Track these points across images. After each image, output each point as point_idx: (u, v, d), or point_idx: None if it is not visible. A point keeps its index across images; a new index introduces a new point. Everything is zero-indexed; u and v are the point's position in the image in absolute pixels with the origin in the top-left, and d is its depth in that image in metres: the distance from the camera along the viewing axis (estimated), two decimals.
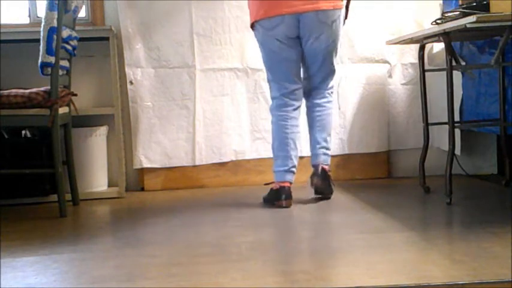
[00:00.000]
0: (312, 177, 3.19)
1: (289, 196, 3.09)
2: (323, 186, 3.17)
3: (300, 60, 3.17)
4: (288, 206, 3.07)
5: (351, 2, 3.23)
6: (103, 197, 3.57)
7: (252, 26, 3.16)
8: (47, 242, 2.54)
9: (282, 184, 3.11)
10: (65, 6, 3.02)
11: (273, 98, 3.24)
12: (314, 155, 3.22)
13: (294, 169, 3.15)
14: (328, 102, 3.25)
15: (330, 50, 3.13)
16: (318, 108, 3.23)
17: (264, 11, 3.04)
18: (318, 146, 3.20)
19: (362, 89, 3.87)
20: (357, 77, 3.86)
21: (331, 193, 3.22)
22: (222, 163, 3.82)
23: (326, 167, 3.20)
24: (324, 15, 3.03)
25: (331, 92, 3.29)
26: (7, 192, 3.40)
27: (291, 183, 3.13)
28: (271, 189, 3.17)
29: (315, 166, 3.19)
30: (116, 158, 3.65)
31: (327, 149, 3.23)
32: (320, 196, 3.21)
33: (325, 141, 3.22)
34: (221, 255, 2.24)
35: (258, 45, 3.19)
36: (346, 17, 3.19)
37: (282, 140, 3.15)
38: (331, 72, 3.23)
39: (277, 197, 3.09)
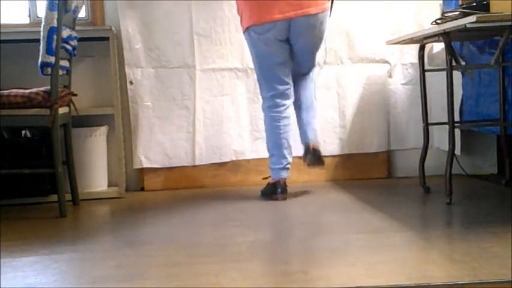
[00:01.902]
0: (305, 155, 3.34)
1: (284, 191, 3.26)
2: (316, 164, 3.32)
3: (289, 61, 3.29)
4: (282, 199, 3.23)
5: (335, 3, 3.29)
6: (103, 197, 3.57)
7: (244, 30, 3.28)
8: (47, 242, 2.54)
9: (278, 179, 3.28)
10: (65, 6, 3.02)
11: (263, 98, 3.37)
12: (303, 133, 3.36)
13: (288, 165, 3.32)
14: (311, 80, 3.41)
15: (317, 48, 3.31)
16: (307, 84, 3.39)
17: (256, 17, 3.15)
18: (306, 124, 3.35)
19: (362, 89, 3.87)
20: (357, 77, 3.85)
21: (323, 164, 3.37)
22: (222, 163, 3.82)
23: (316, 145, 3.35)
24: (313, 19, 3.15)
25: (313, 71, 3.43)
26: (7, 192, 3.40)
27: (286, 178, 3.29)
28: (268, 183, 3.34)
29: (306, 145, 3.34)
30: (116, 158, 3.65)
31: (314, 127, 3.39)
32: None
33: (313, 118, 3.39)
34: (221, 255, 2.24)
35: (249, 48, 3.32)
36: (330, 15, 3.27)
37: (276, 140, 3.30)
38: (315, 59, 3.39)
39: (274, 191, 3.27)
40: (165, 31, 3.71)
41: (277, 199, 3.23)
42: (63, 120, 3.22)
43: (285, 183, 3.28)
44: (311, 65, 3.38)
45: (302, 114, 3.37)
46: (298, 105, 3.38)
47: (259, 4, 3.12)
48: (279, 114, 3.29)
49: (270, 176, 3.34)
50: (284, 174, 3.29)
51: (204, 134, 3.78)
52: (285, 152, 3.29)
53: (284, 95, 3.29)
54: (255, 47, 3.25)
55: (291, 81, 3.31)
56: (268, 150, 3.34)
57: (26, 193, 3.43)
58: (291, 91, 3.32)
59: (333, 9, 3.26)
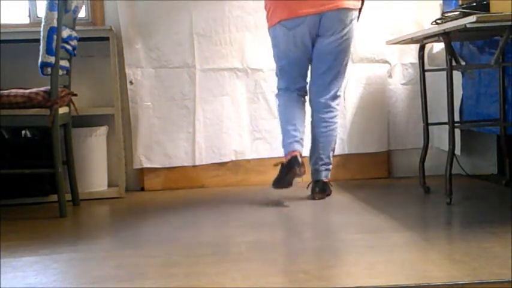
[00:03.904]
0: (313, 190, 3.23)
1: (301, 164, 3.05)
2: (323, 197, 3.23)
3: (309, 60, 3.21)
4: (301, 174, 3.05)
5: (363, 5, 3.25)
6: (103, 197, 3.57)
7: (271, 25, 3.19)
8: (47, 242, 2.54)
9: (293, 153, 3.08)
10: (65, 6, 3.02)
11: (279, 88, 3.30)
12: (316, 170, 3.25)
13: (302, 141, 3.15)
14: (334, 117, 3.26)
15: (342, 48, 3.17)
16: (323, 124, 3.23)
17: (288, 11, 3.08)
18: (320, 162, 3.23)
19: (362, 89, 3.87)
20: (357, 77, 3.85)
21: (329, 195, 3.28)
22: (222, 163, 3.82)
23: (326, 180, 3.26)
24: (344, 14, 3.08)
25: (338, 104, 3.29)
26: (7, 192, 3.40)
27: (301, 153, 3.11)
28: (281, 164, 3.11)
29: (317, 182, 3.24)
30: (116, 158, 3.65)
31: (329, 164, 3.26)
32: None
33: (328, 157, 3.25)
34: (221, 255, 2.24)
35: (272, 44, 3.24)
36: (357, 19, 3.23)
37: (289, 116, 3.19)
38: (341, 74, 3.25)
39: (290, 167, 3.04)
40: (165, 31, 3.71)
41: (295, 173, 3.02)
42: (63, 120, 3.22)
43: (300, 156, 3.07)
44: (334, 73, 3.20)
45: (319, 150, 3.24)
46: (315, 141, 3.26)
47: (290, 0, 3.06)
48: (295, 97, 3.23)
49: (281, 162, 3.12)
50: (297, 146, 3.11)
51: (204, 134, 3.78)
52: (299, 127, 3.15)
53: (300, 91, 3.27)
54: (281, 43, 3.16)
55: (306, 80, 3.27)
56: (281, 128, 3.21)
57: (26, 193, 3.43)
58: (306, 88, 3.27)
59: (361, 14, 3.21)
